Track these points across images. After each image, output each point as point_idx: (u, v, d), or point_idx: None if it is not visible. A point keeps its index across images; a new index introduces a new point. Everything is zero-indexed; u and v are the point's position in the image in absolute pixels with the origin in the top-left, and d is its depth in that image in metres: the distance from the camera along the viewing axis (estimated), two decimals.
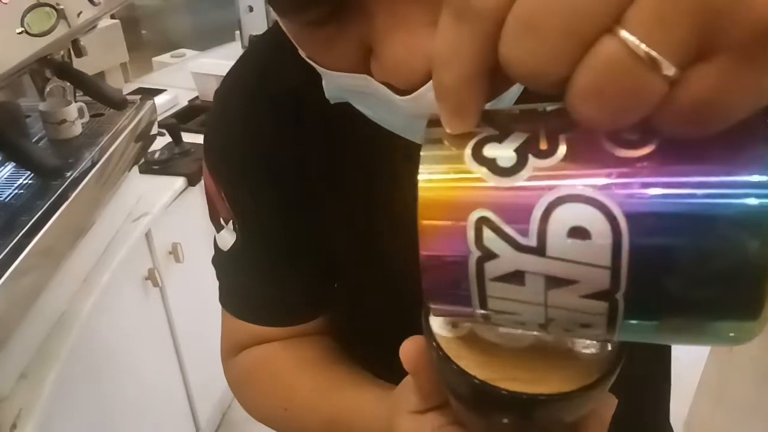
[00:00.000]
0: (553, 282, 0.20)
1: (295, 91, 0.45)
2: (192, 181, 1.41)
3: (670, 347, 0.61)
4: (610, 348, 0.29)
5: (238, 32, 2.18)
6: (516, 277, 0.20)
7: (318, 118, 0.45)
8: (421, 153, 0.22)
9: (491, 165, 0.20)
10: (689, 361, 1.44)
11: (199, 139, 1.56)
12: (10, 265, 0.81)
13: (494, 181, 0.20)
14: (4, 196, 0.97)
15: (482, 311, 0.23)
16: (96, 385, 1.12)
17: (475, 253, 0.20)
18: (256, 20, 2.07)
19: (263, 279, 0.52)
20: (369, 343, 0.49)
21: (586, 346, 0.29)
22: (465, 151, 0.21)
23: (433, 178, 0.21)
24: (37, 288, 0.90)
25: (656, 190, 0.18)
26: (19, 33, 0.87)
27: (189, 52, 2.27)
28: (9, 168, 1.04)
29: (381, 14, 0.28)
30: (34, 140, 1.12)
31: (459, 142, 0.21)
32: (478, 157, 0.21)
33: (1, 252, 0.83)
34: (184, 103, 1.84)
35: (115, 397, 1.19)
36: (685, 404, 1.59)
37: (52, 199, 0.94)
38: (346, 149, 0.46)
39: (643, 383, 0.58)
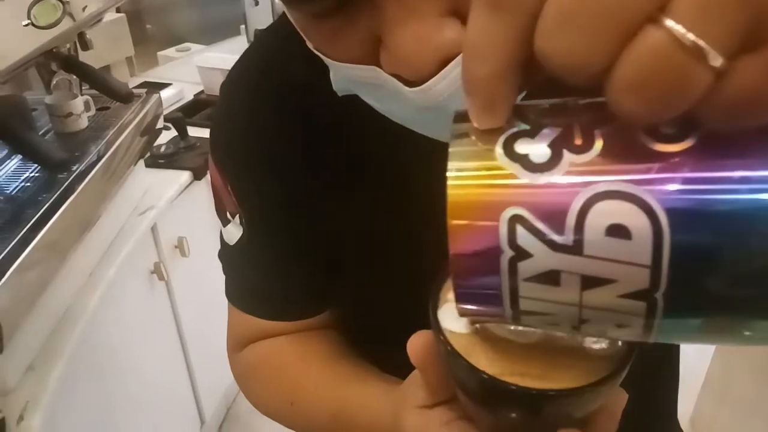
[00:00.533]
0: (590, 282, 0.19)
1: (301, 85, 0.45)
2: (198, 175, 1.41)
3: (679, 345, 0.60)
4: (620, 344, 0.28)
5: (243, 26, 2.18)
6: (551, 277, 0.20)
7: (324, 112, 0.45)
8: (450, 149, 0.21)
9: (524, 161, 0.20)
10: (695, 358, 1.44)
11: (204, 133, 1.56)
12: (17, 259, 0.81)
13: (528, 177, 0.19)
14: (11, 189, 0.97)
15: (513, 312, 0.22)
16: (102, 379, 1.13)
17: (508, 253, 0.20)
18: (262, 14, 2.07)
19: (269, 273, 0.52)
20: (375, 339, 0.48)
21: (597, 342, 0.29)
22: (495, 147, 0.20)
23: (462, 175, 0.20)
24: (43, 282, 0.90)
25: (697, 186, 0.18)
26: (26, 25, 0.86)
27: (194, 47, 2.27)
28: (15, 161, 1.04)
29: (390, 5, 0.28)
30: (40, 133, 1.12)
31: (488, 137, 0.21)
32: (510, 153, 0.20)
33: (8, 245, 0.83)
34: (189, 97, 1.83)
35: (121, 391, 1.20)
36: (691, 401, 1.58)
37: (58, 192, 0.94)
38: (353, 143, 0.46)
39: (652, 379, 0.58)
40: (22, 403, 0.85)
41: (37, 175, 1.00)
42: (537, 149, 0.20)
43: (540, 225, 0.19)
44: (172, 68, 2.10)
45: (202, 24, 2.48)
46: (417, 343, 0.32)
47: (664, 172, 0.18)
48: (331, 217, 0.49)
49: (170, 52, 2.23)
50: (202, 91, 1.85)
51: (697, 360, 1.52)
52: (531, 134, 0.20)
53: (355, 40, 0.31)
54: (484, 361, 0.28)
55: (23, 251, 0.82)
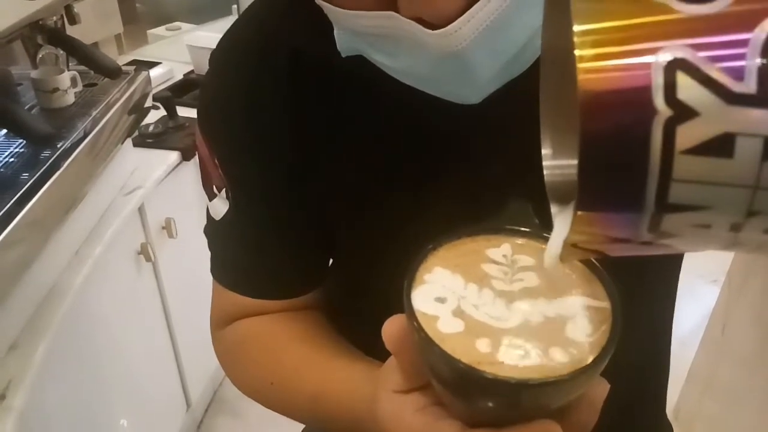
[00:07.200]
0: None
1: (292, 54, 0.44)
2: (186, 156, 1.39)
3: (670, 338, 0.60)
4: (602, 330, 0.27)
5: (235, 6, 2.15)
6: (722, 144, 0.15)
7: (317, 82, 0.44)
8: None
9: None
10: (679, 349, 1.45)
11: (194, 113, 1.53)
12: None
13: (687, 8, 0.15)
14: None
15: (655, 212, 0.17)
16: (87, 360, 1.11)
17: (665, 113, 0.15)
18: None
19: (254, 250, 0.51)
20: (361, 319, 0.48)
21: (577, 329, 0.28)
22: None
23: (594, 21, 0.15)
24: (27, 260, 0.88)
25: None
26: None
27: (185, 26, 2.23)
28: None
29: None
30: (25, 108, 1.10)
31: None
32: None
33: None
34: (179, 76, 1.81)
35: (106, 373, 1.18)
36: (675, 391, 1.60)
37: (43, 169, 0.92)
38: (347, 114, 0.45)
39: (647, 370, 0.58)
40: (5, 382, 0.84)
41: (21, 150, 0.97)
42: None
43: (710, 69, 0.15)
44: (161, 47, 2.07)
45: (193, 3, 2.44)
46: (391, 328, 0.31)
47: None
48: (322, 190, 0.48)
49: (160, 30, 2.19)
50: (192, 71, 1.82)
51: (681, 350, 1.52)
52: None
53: None
54: (460, 346, 0.27)
55: (6, 228, 0.80)
